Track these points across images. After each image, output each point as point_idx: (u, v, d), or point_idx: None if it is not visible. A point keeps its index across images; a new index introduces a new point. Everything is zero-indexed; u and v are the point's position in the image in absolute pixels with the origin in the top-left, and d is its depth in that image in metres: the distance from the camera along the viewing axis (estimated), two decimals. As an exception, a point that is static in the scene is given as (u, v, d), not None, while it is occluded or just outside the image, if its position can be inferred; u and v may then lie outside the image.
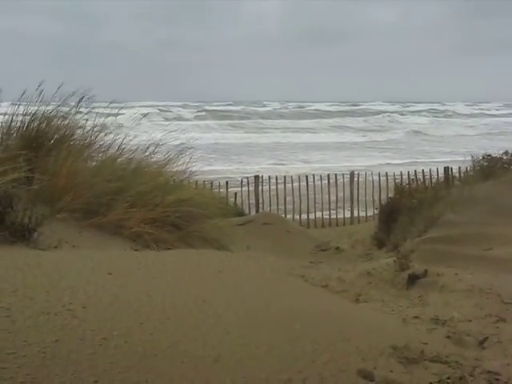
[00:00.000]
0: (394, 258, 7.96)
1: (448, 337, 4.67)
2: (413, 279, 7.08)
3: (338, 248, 10.56)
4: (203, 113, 66.12)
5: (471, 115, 75.74)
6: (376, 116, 68.88)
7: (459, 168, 15.47)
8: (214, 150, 36.87)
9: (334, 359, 3.64)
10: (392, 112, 72.97)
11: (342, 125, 61.69)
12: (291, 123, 61.76)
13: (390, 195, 13.72)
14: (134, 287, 3.93)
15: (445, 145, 45.20)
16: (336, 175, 17.45)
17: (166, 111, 63.61)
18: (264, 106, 77.86)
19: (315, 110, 74.32)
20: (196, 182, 9.87)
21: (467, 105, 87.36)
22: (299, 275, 8.05)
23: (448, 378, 3.66)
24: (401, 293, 6.97)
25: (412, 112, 76.46)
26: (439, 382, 3.63)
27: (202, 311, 3.78)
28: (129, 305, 3.59)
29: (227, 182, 15.86)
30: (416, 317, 5.38)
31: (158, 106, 65.58)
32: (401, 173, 16.95)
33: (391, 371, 3.65)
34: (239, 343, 3.48)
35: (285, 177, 17.19)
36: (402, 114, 72.41)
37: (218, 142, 44.22)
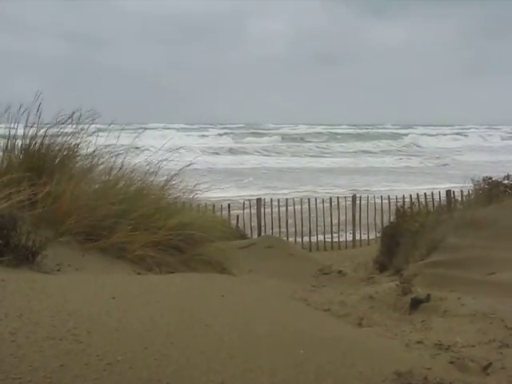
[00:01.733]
0: (397, 282, 7.95)
1: (452, 362, 4.65)
2: (415, 303, 7.07)
3: (340, 272, 10.53)
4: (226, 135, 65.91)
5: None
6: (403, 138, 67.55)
7: (461, 191, 15.49)
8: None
9: (337, 384, 3.64)
10: (420, 134, 71.95)
11: (370, 149, 60.76)
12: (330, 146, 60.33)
13: (391, 218, 13.71)
14: (138, 312, 3.93)
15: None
16: (338, 198, 17.49)
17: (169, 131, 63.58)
18: (293, 129, 77.13)
19: (336, 132, 73.91)
20: (198, 204, 9.88)
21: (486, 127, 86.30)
22: (302, 299, 8.04)
23: (452, 404, 3.65)
24: (403, 317, 6.96)
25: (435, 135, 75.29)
26: (444, 408, 3.62)
27: (206, 336, 3.78)
28: (133, 329, 3.59)
29: (229, 205, 15.88)
30: (419, 342, 5.36)
31: (164, 127, 65.66)
32: (403, 196, 16.98)
33: (395, 397, 3.64)
34: (243, 368, 3.48)
35: (286, 199, 17.22)
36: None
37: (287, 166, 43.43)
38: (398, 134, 75.50)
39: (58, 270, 5.87)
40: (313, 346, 4.14)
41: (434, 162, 51.78)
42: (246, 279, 6.88)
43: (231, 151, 56.43)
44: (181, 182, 8.21)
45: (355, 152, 58.30)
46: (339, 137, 71.41)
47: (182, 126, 73.73)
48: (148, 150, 8.47)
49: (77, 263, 6.42)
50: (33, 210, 6.88)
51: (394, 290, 7.74)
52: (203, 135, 66.19)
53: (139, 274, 6.64)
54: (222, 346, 3.68)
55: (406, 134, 74.00)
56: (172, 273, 6.80)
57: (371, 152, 58.93)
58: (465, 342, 5.29)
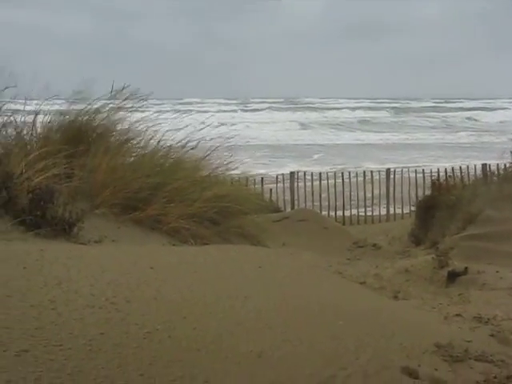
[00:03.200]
0: (433, 256, 7.86)
1: (492, 335, 4.58)
2: (452, 277, 6.99)
3: (375, 245, 10.44)
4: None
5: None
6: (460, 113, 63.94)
7: (497, 165, 15.24)
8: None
9: (377, 356, 3.60)
10: (470, 109, 67.86)
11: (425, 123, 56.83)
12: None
13: (426, 192, 13.56)
14: (176, 282, 3.93)
15: None
16: (372, 172, 17.34)
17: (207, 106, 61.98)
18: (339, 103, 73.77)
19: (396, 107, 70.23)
20: (233, 177, 9.83)
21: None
22: (336, 272, 7.99)
23: (495, 377, 3.59)
24: (440, 290, 6.88)
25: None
26: (485, 381, 3.56)
27: (244, 307, 3.76)
28: (171, 299, 3.58)
29: (262, 179, 15.82)
30: (458, 315, 5.29)
31: (198, 102, 64.56)
32: (438, 170, 16.77)
33: (436, 369, 3.59)
34: (282, 339, 3.46)
35: (320, 173, 17.13)
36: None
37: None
38: (442, 107, 71.62)
39: (96, 242, 5.90)
40: (351, 317, 4.10)
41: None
42: (282, 252, 6.85)
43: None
44: (221, 156, 8.17)
45: (417, 126, 54.88)
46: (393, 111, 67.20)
47: (222, 100, 71.74)
48: (190, 124, 8.42)
49: (113, 235, 6.44)
50: (69, 183, 6.93)
51: (430, 264, 7.66)
52: (246, 109, 64.18)
53: (174, 245, 6.65)
54: (260, 317, 3.66)
55: (455, 109, 69.55)
56: (206, 245, 6.81)
57: (436, 127, 55.34)
58: (504, 315, 5.21)
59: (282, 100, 72.31)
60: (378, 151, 35.75)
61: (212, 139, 8.27)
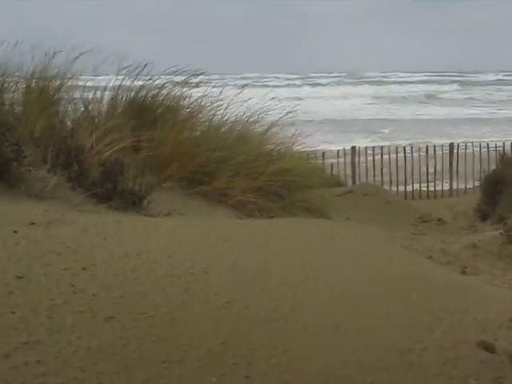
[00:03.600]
0: (501, 231, 7.74)
1: None
2: (522, 252, 6.88)
3: (440, 220, 10.34)
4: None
5: None
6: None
7: None
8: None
9: (452, 330, 3.56)
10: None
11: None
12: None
13: (491, 167, 13.30)
14: (250, 254, 3.97)
15: None
16: (435, 146, 17.09)
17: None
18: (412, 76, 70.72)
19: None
20: (297, 151, 9.79)
21: None
22: (402, 246, 7.94)
23: None
24: (510, 266, 6.79)
25: None
26: None
27: (318, 279, 3.77)
28: (247, 271, 3.62)
29: (323, 153, 15.76)
30: (530, 290, 5.22)
31: (261, 76, 63.38)
32: (503, 144, 16.41)
33: (513, 344, 3.54)
34: (356, 312, 3.46)
35: (381, 148, 16.96)
36: None
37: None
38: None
39: (165, 215, 5.98)
40: (424, 291, 4.07)
41: None
42: (351, 225, 6.84)
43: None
44: (286, 130, 8.16)
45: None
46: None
47: (283, 75, 70.16)
48: (253, 98, 8.41)
49: (180, 208, 6.53)
50: (136, 156, 7.03)
51: (498, 239, 7.55)
52: (308, 83, 62.67)
53: (241, 218, 6.70)
54: (334, 290, 3.67)
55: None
56: (272, 218, 6.83)
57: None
58: None
59: (344, 74, 70.75)
60: (446, 126, 34.83)
61: (276, 113, 8.26)
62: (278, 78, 66.07)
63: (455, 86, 61.83)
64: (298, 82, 62.77)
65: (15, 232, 3.54)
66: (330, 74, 69.89)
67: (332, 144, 19.31)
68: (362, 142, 21.30)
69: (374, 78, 69.23)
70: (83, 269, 3.11)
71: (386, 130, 32.93)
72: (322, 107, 42.05)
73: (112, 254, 3.41)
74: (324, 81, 64.00)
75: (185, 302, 3.00)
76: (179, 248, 3.74)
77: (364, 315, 3.45)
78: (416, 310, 3.68)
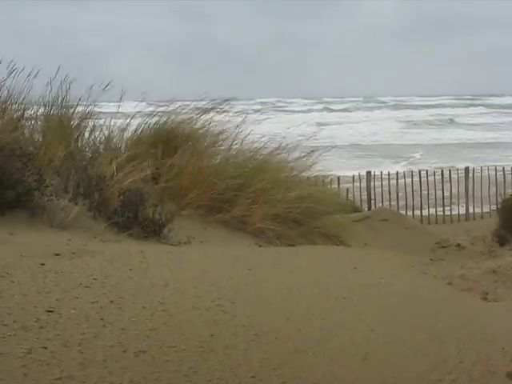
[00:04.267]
0: (521, 256, 7.65)
1: None
2: (545, 278, 6.80)
3: (458, 245, 10.26)
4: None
5: None
6: None
7: None
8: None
9: (481, 360, 3.53)
10: None
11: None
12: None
13: (508, 190, 13.21)
14: (275, 283, 3.96)
15: None
16: (450, 171, 17.02)
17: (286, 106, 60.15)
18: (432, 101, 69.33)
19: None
20: (310, 178, 9.80)
21: None
22: (421, 272, 7.89)
23: None
24: (531, 292, 6.71)
25: None
26: None
27: (345, 308, 3.76)
28: (273, 300, 3.61)
29: (339, 178, 15.73)
30: (556, 317, 5.14)
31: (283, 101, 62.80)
32: (517, 167, 16.33)
33: (544, 375, 3.49)
34: (384, 341, 3.43)
35: (397, 172, 16.92)
36: None
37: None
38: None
39: (185, 243, 5.99)
40: (449, 319, 4.04)
41: None
42: (371, 252, 6.81)
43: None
44: (306, 156, 8.18)
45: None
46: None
47: (300, 100, 69.15)
48: (272, 123, 8.45)
49: (200, 236, 6.54)
50: (156, 185, 7.07)
51: (518, 264, 7.47)
52: (328, 108, 61.41)
53: (260, 246, 6.70)
54: (362, 319, 3.65)
55: None
56: (292, 245, 6.83)
57: None
58: None
59: (360, 99, 70.04)
60: (470, 150, 34.24)
61: (296, 139, 8.29)
62: (295, 103, 65.29)
63: (480, 108, 60.81)
64: (316, 107, 61.80)
65: (42, 264, 3.55)
66: (346, 99, 69.05)
67: (362, 169, 18.93)
68: (393, 168, 20.90)
69: (391, 102, 68.33)
70: (111, 302, 3.11)
71: (417, 155, 32.32)
72: (344, 132, 41.20)
73: (139, 286, 3.41)
74: (341, 106, 63.18)
75: (214, 334, 2.99)
76: (205, 278, 3.74)
77: (392, 344, 3.43)
78: (443, 339, 3.65)
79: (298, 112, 52.74)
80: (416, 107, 61.48)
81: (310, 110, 57.24)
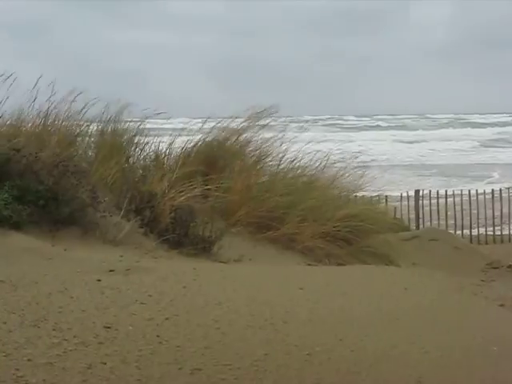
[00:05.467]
0: None
1: None
2: None
3: (510, 266, 10.07)
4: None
5: None
6: None
7: None
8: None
9: (538, 386, 3.47)
10: None
11: None
12: None
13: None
14: (327, 303, 3.95)
15: None
16: (501, 190, 16.75)
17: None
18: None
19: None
20: (357, 196, 9.73)
21: None
22: (472, 294, 7.77)
23: None
24: None
25: None
26: None
27: (397, 330, 3.73)
28: (325, 321, 3.60)
29: (386, 196, 15.60)
30: None
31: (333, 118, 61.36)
32: None
33: None
34: (439, 364, 3.39)
35: (446, 191, 16.68)
36: None
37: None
38: None
39: (235, 260, 6.02)
40: (504, 342, 3.97)
41: None
42: (425, 273, 6.73)
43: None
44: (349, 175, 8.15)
45: None
46: None
47: (350, 117, 67.28)
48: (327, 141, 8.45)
49: (249, 253, 6.56)
50: (205, 202, 7.12)
51: None
52: (384, 125, 59.56)
53: (310, 265, 6.68)
54: (415, 341, 3.61)
55: None
56: (341, 264, 6.80)
57: None
58: None
59: (415, 116, 67.96)
60: None
61: (348, 157, 8.28)
62: (346, 119, 63.67)
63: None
64: (369, 124, 60.03)
65: (99, 280, 3.61)
66: (399, 116, 66.96)
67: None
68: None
69: (446, 119, 65.94)
70: (167, 319, 3.15)
71: (496, 174, 31.09)
72: (409, 150, 39.89)
73: (193, 304, 3.44)
74: (396, 122, 61.21)
75: (267, 353, 3.00)
76: (257, 297, 3.76)
77: (446, 368, 3.39)
78: (498, 364, 3.59)
79: (350, 129, 51.17)
80: (476, 125, 59.18)
81: (363, 127, 55.61)
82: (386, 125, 58.80)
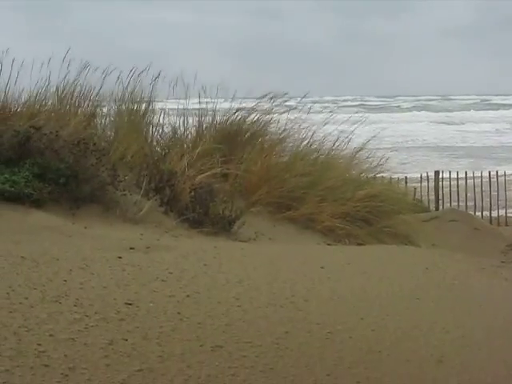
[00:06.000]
0: None
1: None
2: None
3: (531, 247, 9.99)
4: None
5: None
6: None
7: None
8: None
9: (560, 367, 3.43)
10: None
11: None
12: None
13: None
14: (348, 282, 3.93)
15: None
16: (521, 171, 16.60)
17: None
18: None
19: None
20: (377, 176, 9.66)
21: None
22: (491, 274, 7.72)
23: None
24: None
25: None
26: None
27: (418, 309, 3.71)
28: (346, 299, 3.59)
29: (406, 177, 15.52)
30: None
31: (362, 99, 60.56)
32: None
33: None
34: (460, 344, 3.37)
35: (466, 172, 16.56)
36: None
37: None
38: None
39: (255, 240, 6.01)
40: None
41: None
42: (446, 253, 6.69)
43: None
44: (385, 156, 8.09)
45: None
46: None
47: (372, 98, 66.15)
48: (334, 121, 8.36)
49: (269, 233, 6.56)
50: (225, 182, 7.11)
51: None
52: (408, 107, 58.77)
53: (329, 244, 6.66)
54: (436, 321, 3.59)
55: None
56: (361, 244, 6.77)
57: None
58: None
59: (438, 97, 66.71)
60: None
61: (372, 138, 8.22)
62: (369, 100, 62.88)
63: None
64: (394, 104, 59.20)
65: (119, 258, 3.62)
66: (420, 97, 65.76)
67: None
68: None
69: (469, 100, 64.57)
70: (188, 296, 3.15)
71: None
72: (433, 131, 39.21)
73: (214, 281, 3.44)
74: (419, 103, 60.19)
75: (288, 331, 2.99)
76: (278, 275, 3.75)
77: (468, 348, 3.36)
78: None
79: (374, 109, 50.41)
80: (500, 106, 57.87)
81: (387, 108, 54.66)
82: (410, 105, 58.11)
